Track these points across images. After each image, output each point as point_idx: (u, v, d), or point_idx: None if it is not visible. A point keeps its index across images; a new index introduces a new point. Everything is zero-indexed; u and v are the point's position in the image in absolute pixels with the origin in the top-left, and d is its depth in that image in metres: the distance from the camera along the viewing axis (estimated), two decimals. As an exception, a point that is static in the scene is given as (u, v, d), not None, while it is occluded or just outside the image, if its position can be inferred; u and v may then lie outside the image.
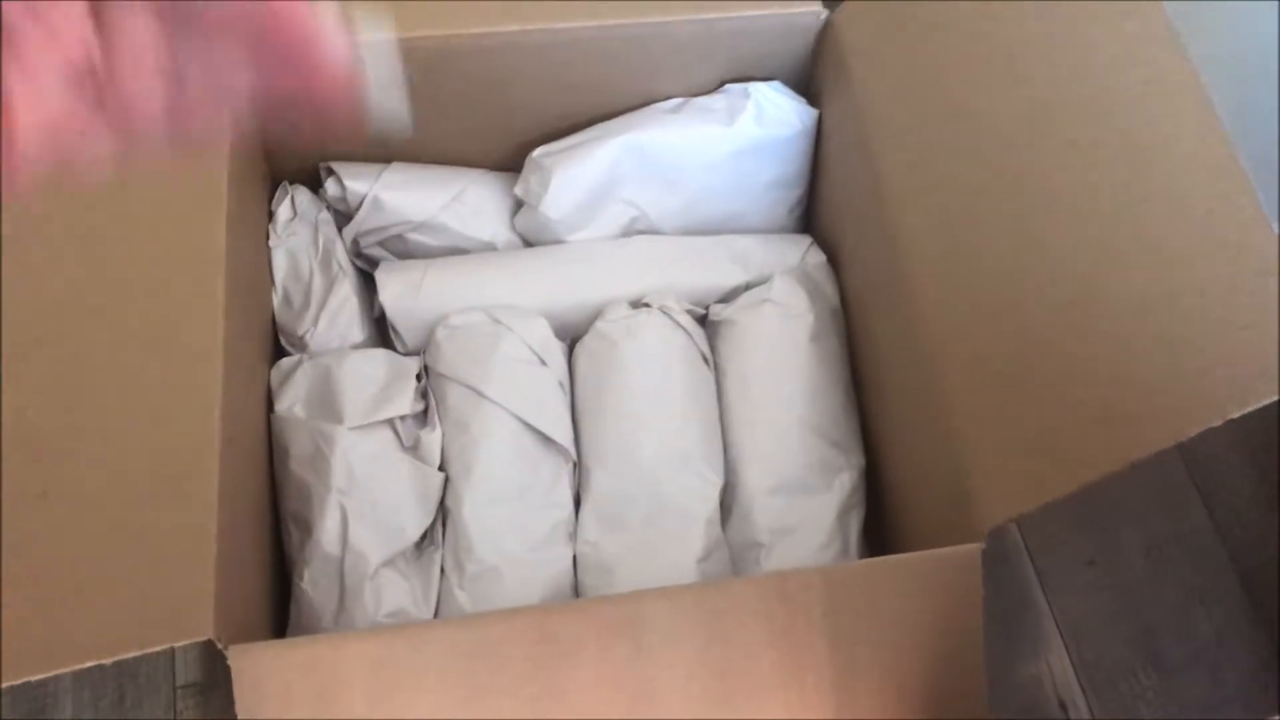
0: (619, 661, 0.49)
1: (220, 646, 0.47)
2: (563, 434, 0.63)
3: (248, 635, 0.52)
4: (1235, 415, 0.45)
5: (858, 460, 0.64)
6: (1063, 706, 0.77)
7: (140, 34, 0.23)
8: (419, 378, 0.65)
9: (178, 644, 0.47)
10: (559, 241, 0.69)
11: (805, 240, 0.70)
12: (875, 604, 0.50)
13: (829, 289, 0.68)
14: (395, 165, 0.70)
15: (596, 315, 0.66)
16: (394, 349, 0.67)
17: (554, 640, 0.49)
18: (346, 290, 0.67)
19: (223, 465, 0.51)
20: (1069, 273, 0.51)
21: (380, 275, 0.67)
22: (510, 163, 0.71)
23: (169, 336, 0.54)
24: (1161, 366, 0.47)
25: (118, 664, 0.51)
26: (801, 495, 0.62)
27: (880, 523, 0.64)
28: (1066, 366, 0.51)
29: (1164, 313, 0.48)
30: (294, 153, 0.70)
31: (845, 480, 0.62)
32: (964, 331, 0.54)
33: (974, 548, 0.51)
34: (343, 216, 0.70)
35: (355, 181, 0.68)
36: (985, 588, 0.52)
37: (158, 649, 0.46)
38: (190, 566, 0.48)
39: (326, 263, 0.68)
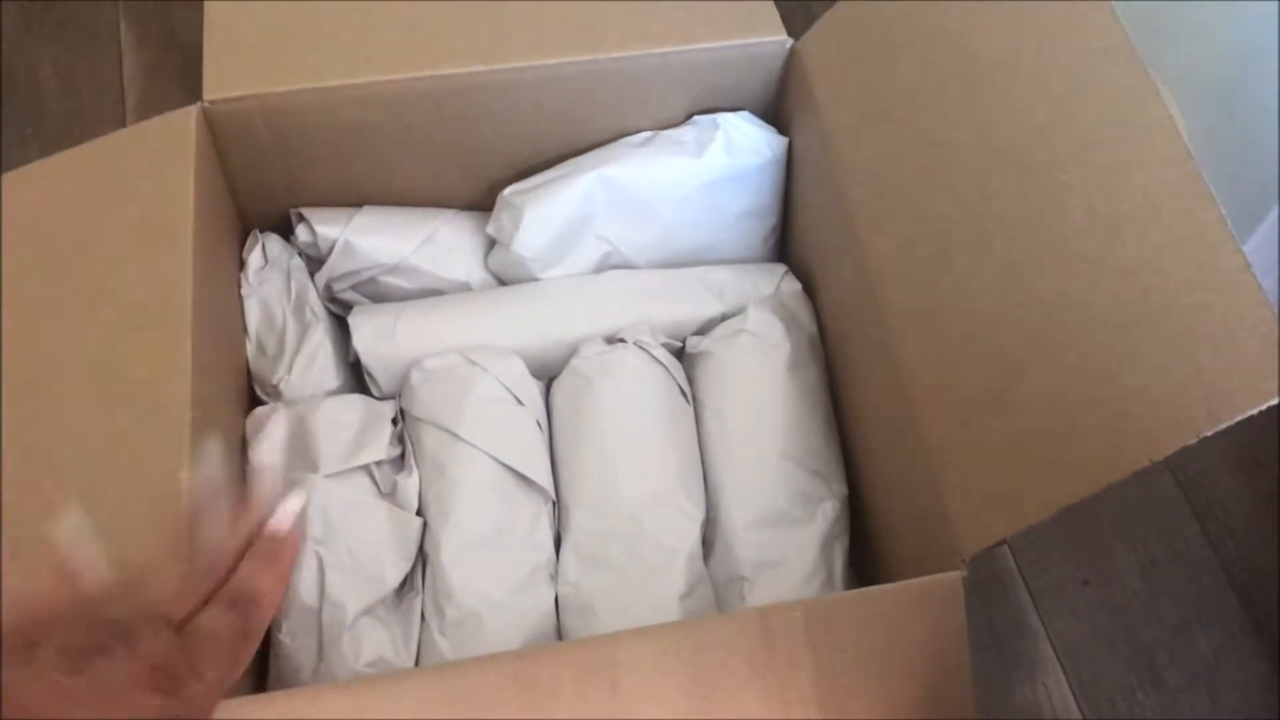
0: (598, 705, 0.48)
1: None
2: (541, 474, 0.62)
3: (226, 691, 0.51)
4: (1213, 430, 0.44)
5: (840, 489, 0.63)
6: (1061, 731, 0.76)
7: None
8: (395, 422, 0.65)
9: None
10: (533, 279, 0.69)
11: (780, 269, 0.70)
12: (859, 635, 0.49)
13: (805, 317, 0.67)
14: (366, 209, 0.69)
15: (572, 352, 0.66)
16: (369, 394, 0.67)
17: (532, 686, 0.48)
18: (320, 336, 0.67)
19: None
20: (1038, 293, 0.51)
21: (354, 320, 0.67)
22: (481, 202, 0.70)
23: (134, 394, 0.53)
24: (1134, 384, 0.47)
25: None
26: (784, 527, 0.61)
27: (865, 551, 0.63)
28: (1039, 386, 0.50)
29: (1134, 330, 0.48)
30: (264, 199, 0.70)
31: (828, 510, 0.62)
32: (936, 355, 0.54)
33: (955, 575, 0.50)
34: (315, 262, 0.69)
35: (326, 226, 0.68)
36: (970, 615, 0.51)
37: None
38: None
39: (299, 309, 0.67)
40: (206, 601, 0.32)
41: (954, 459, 0.52)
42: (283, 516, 0.35)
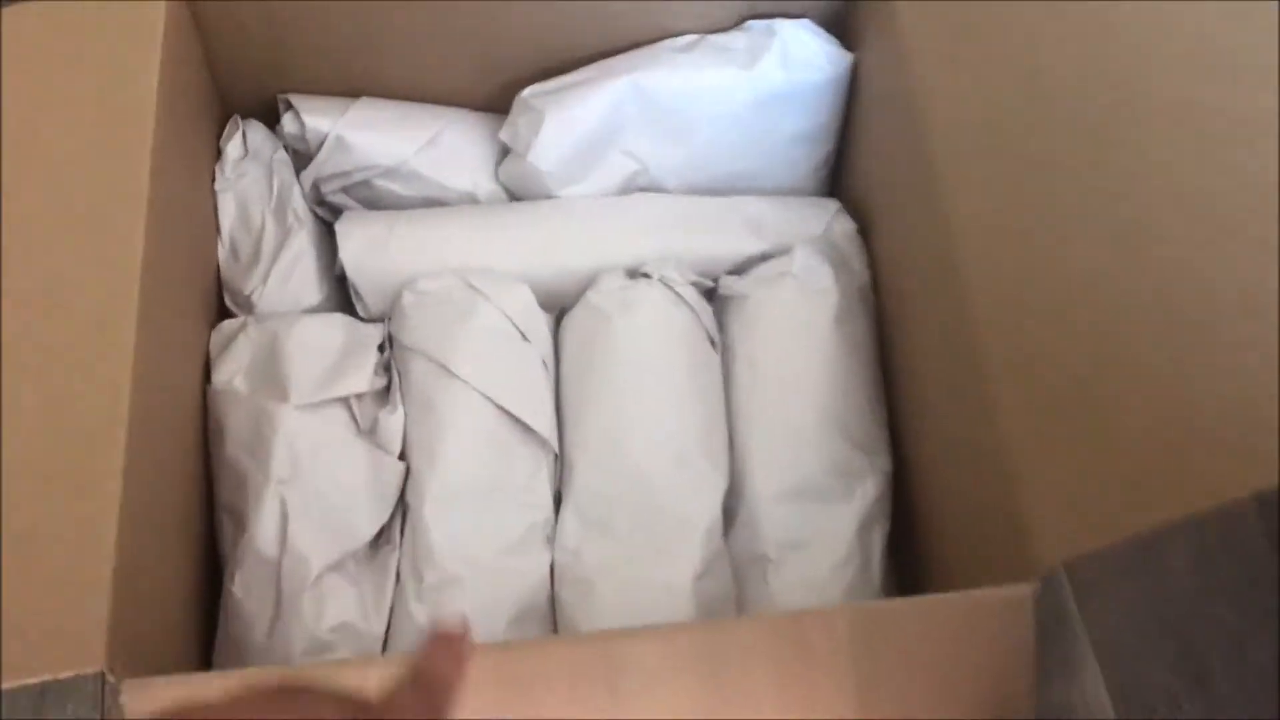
0: (591, 710, 0.41)
1: (113, 680, 0.39)
2: (543, 422, 0.55)
3: (158, 661, 0.44)
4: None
5: (884, 464, 0.55)
6: (1095, 737, 0.69)
7: None
8: (381, 349, 0.57)
9: (58, 676, 0.39)
10: (548, 196, 0.61)
11: (832, 205, 0.61)
12: (911, 651, 0.42)
13: (858, 263, 0.59)
14: (364, 100, 0.61)
15: (588, 284, 0.58)
16: (354, 314, 0.59)
17: (516, 682, 0.41)
18: (302, 243, 0.59)
19: (131, 449, 0.43)
20: (1158, 265, 0.43)
21: (342, 227, 0.59)
22: (496, 102, 0.62)
23: (73, 296, 0.45)
24: (1267, 385, 0.39)
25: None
26: (817, 503, 0.54)
27: (906, 539, 0.56)
28: (1147, 377, 0.42)
29: (1271, 321, 0.39)
30: (248, 81, 0.61)
31: (869, 487, 0.54)
32: (1022, 326, 0.46)
33: (1027, 589, 0.43)
34: (302, 158, 0.62)
35: (317, 117, 0.60)
36: (1038, 637, 0.43)
37: (28, 683, 0.38)
38: (80, 576, 0.40)
39: (281, 211, 0.60)
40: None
41: (1033, 451, 0.44)
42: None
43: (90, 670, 0.39)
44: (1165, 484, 0.42)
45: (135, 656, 0.41)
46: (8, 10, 0.52)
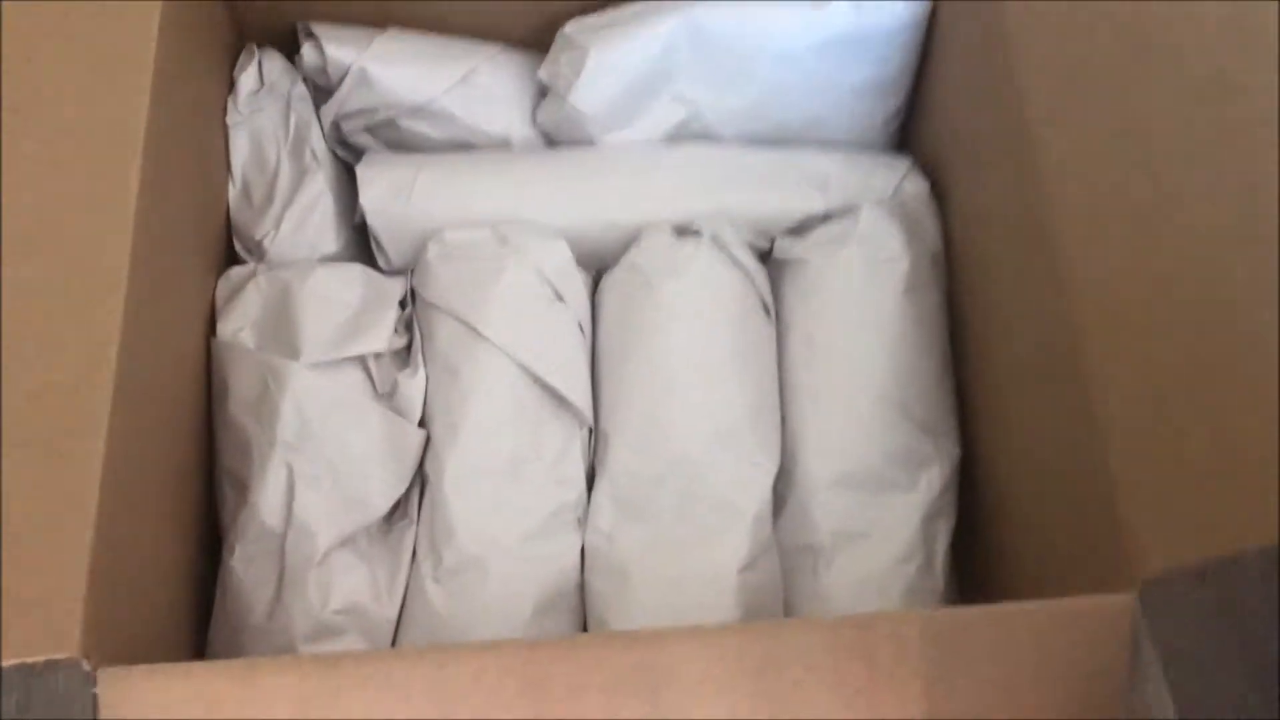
0: (629, 721, 0.36)
1: (88, 669, 0.34)
2: (578, 391, 0.50)
3: (144, 646, 0.40)
4: None
5: (952, 451, 0.50)
6: (1159, 751, 0.65)
7: None
8: (403, 305, 0.53)
9: (27, 660, 0.34)
10: (590, 143, 0.56)
11: (903, 163, 0.56)
12: (990, 665, 0.37)
13: (931, 228, 0.53)
14: (391, 32, 0.56)
15: (631, 242, 0.53)
16: (375, 265, 0.55)
17: (544, 686, 0.36)
18: (320, 185, 0.55)
19: (118, 410, 0.39)
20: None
21: (363, 170, 0.55)
22: (536, 38, 0.57)
23: (58, 238, 0.41)
24: None
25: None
26: (877, 491, 0.49)
27: (970, 531, 0.51)
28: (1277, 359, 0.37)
29: None
30: (265, 7, 0.56)
31: (935, 476, 0.49)
32: (1129, 300, 0.40)
33: (1127, 599, 0.38)
34: (323, 93, 0.57)
35: (339, 48, 0.55)
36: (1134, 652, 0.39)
37: (-4, 668, 0.34)
38: (55, 552, 0.36)
39: (298, 150, 0.55)
40: None
41: (1137, 444, 0.39)
42: None
43: (63, 656, 0.34)
44: None
45: (117, 641, 0.37)
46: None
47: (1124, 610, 0.38)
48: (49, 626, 0.35)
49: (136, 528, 0.40)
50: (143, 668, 0.35)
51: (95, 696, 0.34)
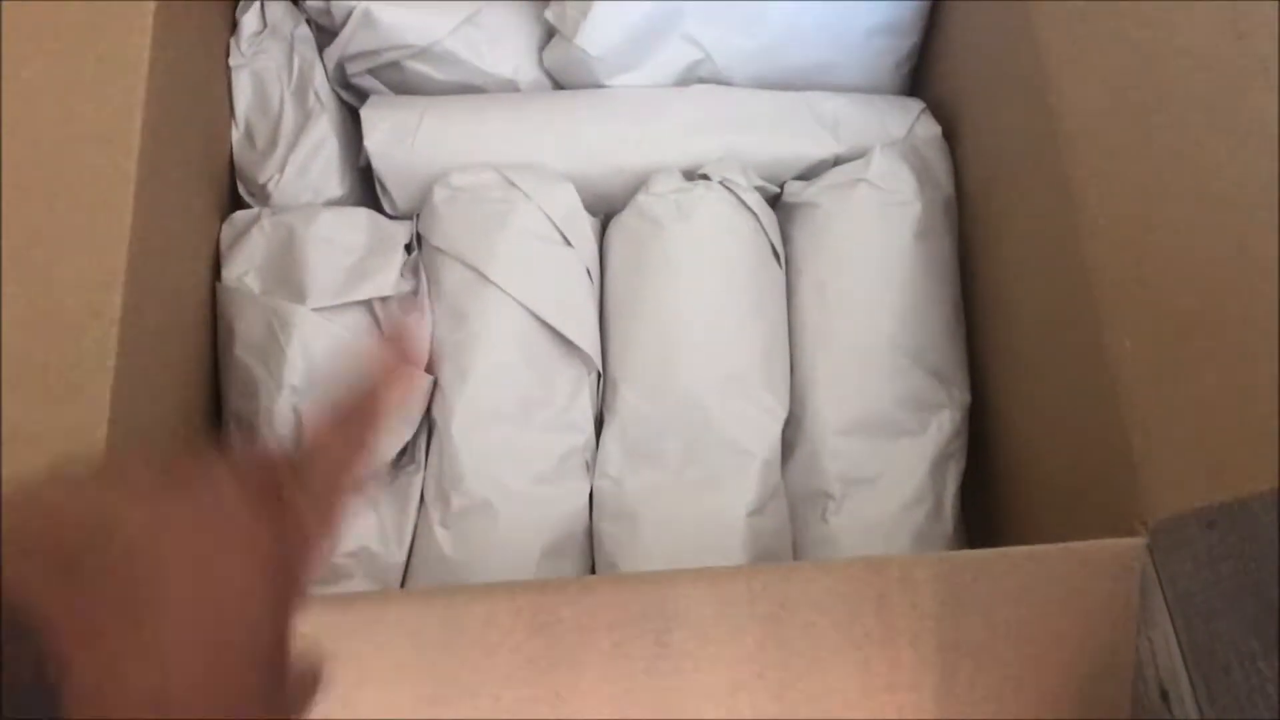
0: (639, 663, 0.36)
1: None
2: (586, 336, 0.50)
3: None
4: None
5: (962, 397, 0.50)
6: (1164, 695, 0.65)
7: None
8: (409, 250, 0.52)
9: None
10: (598, 85, 0.55)
11: (915, 105, 0.55)
12: (1002, 609, 0.37)
13: (942, 172, 0.53)
14: (395, -29, 0.54)
15: (640, 185, 0.52)
16: (380, 209, 0.54)
17: (553, 629, 0.36)
18: (324, 129, 0.54)
19: (124, 351, 0.39)
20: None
21: (368, 113, 0.54)
22: (543, -22, 0.56)
23: (62, 181, 0.40)
24: None
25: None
26: (888, 437, 0.49)
27: (980, 479, 0.50)
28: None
29: None
30: (267, -54, 0.55)
31: (945, 421, 0.49)
32: (1143, 247, 0.40)
33: (1138, 543, 0.38)
34: (326, 35, 0.56)
35: (342, -12, 0.54)
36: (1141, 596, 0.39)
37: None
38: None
39: (301, 92, 0.55)
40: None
41: (1149, 387, 0.39)
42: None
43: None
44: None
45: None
46: None
47: (1135, 554, 0.37)
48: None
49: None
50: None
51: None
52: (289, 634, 0.23)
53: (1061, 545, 0.37)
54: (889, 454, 0.48)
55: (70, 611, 0.18)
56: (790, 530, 0.48)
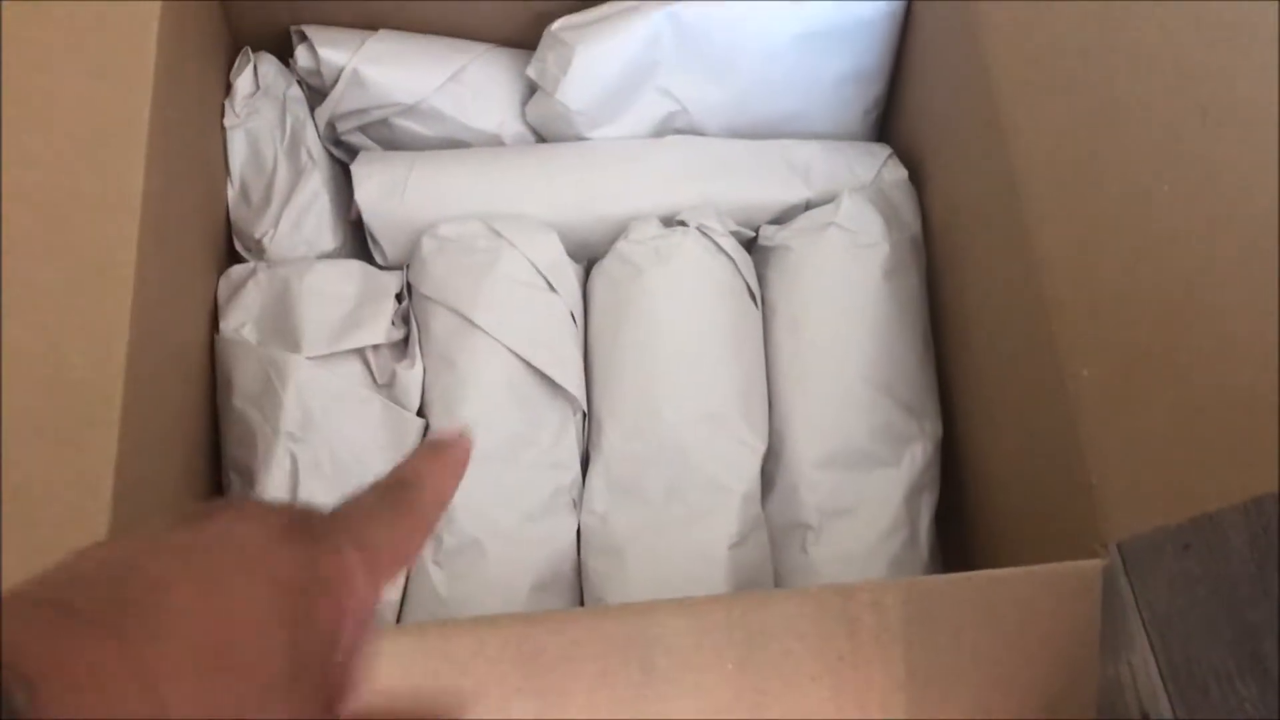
0: (623, 690, 0.38)
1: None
2: (571, 378, 0.51)
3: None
4: None
5: (934, 429, 0.52)
6: (1145, 718, 0.66)
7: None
8: (399, 298, 0.54)
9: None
10: (578, 138, 0.57)
11: (882, 151, 0.57)
12: (969, 630, 0.39)
13: (909, 213, 0.55)
14: (382, 33, 0.58)
15: (620, 232, 0.55)
16: (371, 261, 0.56)
17: (539, 659, 0.38)
18: (316, 184, 0.56)
19: (129, 404, 0.40)
20: (1251, 212, 0.38)
21: (358, 169, 0.56)
22: (523, 36, 0.58)
23: (67, 241, 0.42)
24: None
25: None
26: (862, 469, 0.50)
27: (953, 509, 0.52)
28: (1238, 336, 0.38)
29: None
30: (259, 11, 0.57)
31: (917, 453, 0.51)
32: (1097, 281, 0.42)
33: (1096, 564, 0.39)
34: (316, 94, 0.58)
35: (332, 50, 0.56)
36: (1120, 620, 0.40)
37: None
38: (73, 540, 0.37)
39: (294, 150, 0.57)
40: None
41: (1105, 414, 0.41)
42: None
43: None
44: (1244, 458, 0.38)
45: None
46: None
47: (1094, 575, 0.39)
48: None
49: (150, 515, 0.42)
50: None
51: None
52: (324, 667, 0.21)
53: (1024, 569, 0.39)
54: (865, 485, 0.50)
55: (60, 649, 0.17)
56: (772, 561, 0.50)
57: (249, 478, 0.48)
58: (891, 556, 0.49)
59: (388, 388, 0.51)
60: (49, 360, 0.40)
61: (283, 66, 0.58)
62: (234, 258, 0.56)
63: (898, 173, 0.56)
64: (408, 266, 0.55)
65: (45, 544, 0.37)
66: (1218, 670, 0.70)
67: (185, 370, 0.49)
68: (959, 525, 0.52)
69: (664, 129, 0.58)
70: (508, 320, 0.51)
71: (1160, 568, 0.74)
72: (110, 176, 0.43)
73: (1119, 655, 0.69)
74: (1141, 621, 0.71)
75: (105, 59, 0.46)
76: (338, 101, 0.56)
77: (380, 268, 0.55)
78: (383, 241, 0.55)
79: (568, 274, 0.54)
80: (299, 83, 0.58)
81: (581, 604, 0.49)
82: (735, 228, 0.55)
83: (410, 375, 0.51)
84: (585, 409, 0.52)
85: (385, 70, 0.56)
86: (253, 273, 0.53)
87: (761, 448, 0.51)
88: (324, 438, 0.49)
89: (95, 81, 0.45)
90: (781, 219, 0.56)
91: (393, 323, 0.53)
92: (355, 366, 0.51)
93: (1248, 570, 0.73)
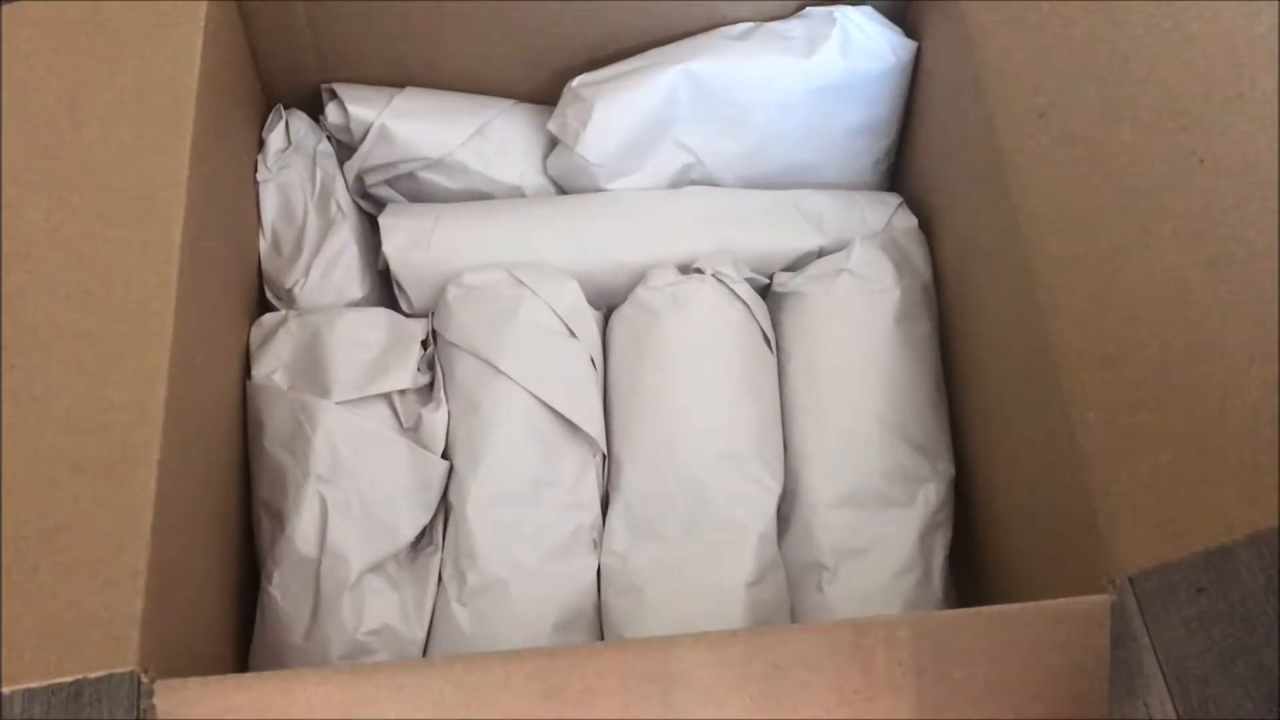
0: (644, 724, 0.39)
1: (146, 680, 0.37)
2: (591, 421, 0.53)
3: (193, 661, 0.43)
4: None
5: (946, 470, 0.53)
6: (1163, 759, 0.66)
7: None
8: (425, 345, 0.55)
9: (89, 675, 0.37)
10: (598, 189, 0.59)
11: (893, 200, 0.59)
12: (980, 665, 0.40)
13: (920, 260, 0.56)
14: (409, 90, 0.60)
15: (638, 280, 0.56)
16: (398, 309, 0.58)
17: (563, 693, 0.39)
18: (345, 236, 0.58)
19: (167, 444, 0.42)
20: (1248, 256, 0.40)
21: (385, 220, 0.58)
22: (545, 93, 0.61)
23: (110, 290, 0.44)
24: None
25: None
26: (876, 509, 0.51)
27: (966, 548, 0.53)
28: (1238, 378, 0.39)
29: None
30: (291, 70, 0.60)
31: (930, 493, 0.52)
32: (1102, 325, 0.43)
33: (1104, 600, 0.40)
34: (346, 149, 0.61)
35: (361, 107, 0.59)
36: (1112, 651, 0.41)
37: (62, 681, 0.37)
38: (114, 572, 0.39)
39: (324, 202, 0.59)
40: None
41: (1111, 455, 0.41)
42: None
43: (123, 670, 0.37)
44: (1249, 494, 0.39)
45: (170, 656, 0.39)
46: (51, 3, 0.51)
47: (1103, 610, 0.40)
48: (109, 642, 0.38)
49: (185, 554, 0.43)
50: (197, 679, 0.38)
51: (154, 706, 0.37)
52: None
53: (1034, 604, 0.40)
54: (879, 525, 0.51)
55: None
56: (789, 600, 0.51)
57: (279, 518, 0.50)
58: (906, 595, 0.50)
59: (413, 431, 0.53)
60: (91, 402, 0.42)
61: (313, 123, 0.60)
62: (265, 306, 0.58)
63: (908, 221, 0.58)
64: (433, 314, 0.56)
65: (83, 583, 0.39)
66: (1235, 711, 0.71)
67: (219, 414, 0.50)
68: (971, 563, 0.53)
69: (680, 180, 0.60)
70: (530, 365, 0.53)
71: (1175, 610, 0.75)
72: (151, 229, 0.45)
73: (1135, 696, 0.70)
74: (1158, 663, 0.72)
75: (147, 118, 0.48)
76: (366, 156, 0.59)
77: (406, 315, 0.57)
78: (409, 290, 0.57)
79: (588, 320, 0.55)
80: (329, 138, 0.60)
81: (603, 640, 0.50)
82: (750, 274, 0.57)
83: (435, 419, 0.52)
84: (605, 451, 0.53)
85: (412, 126, 0.58)
86: (284, 321, 0.55)
87: (777, 488, 0.52)
88: (352, 479, 0.50)
89: (137, 139, 0.47)
90: (795, 266, 0.57)
91: (418, 368, 0.54)
92: (382, 411, 0.53)
93: (1264, 612, 0.74)
